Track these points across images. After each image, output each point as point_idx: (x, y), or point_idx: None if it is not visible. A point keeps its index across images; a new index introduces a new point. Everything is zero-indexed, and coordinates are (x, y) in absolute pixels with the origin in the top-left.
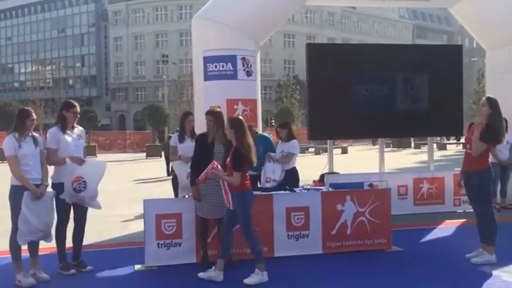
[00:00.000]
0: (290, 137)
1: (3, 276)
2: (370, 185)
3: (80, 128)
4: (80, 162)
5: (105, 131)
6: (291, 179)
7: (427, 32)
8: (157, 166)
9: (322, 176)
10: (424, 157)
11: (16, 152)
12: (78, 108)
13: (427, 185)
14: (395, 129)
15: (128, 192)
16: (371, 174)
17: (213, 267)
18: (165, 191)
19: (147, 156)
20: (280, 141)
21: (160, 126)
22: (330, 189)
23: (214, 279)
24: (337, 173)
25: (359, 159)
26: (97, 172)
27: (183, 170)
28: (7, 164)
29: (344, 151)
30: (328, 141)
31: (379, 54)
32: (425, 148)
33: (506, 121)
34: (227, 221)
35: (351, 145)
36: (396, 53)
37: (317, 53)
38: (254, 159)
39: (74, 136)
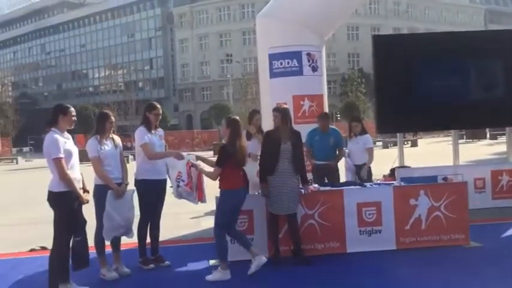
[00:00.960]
0: (364, 131)
1: (89, 270)
2: (445, 179)
3: (161, 129)
4: (180, 157)
5: (174, 130)
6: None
7: (500, 16)
8: None
9: (392, 170)
10: (502, 148)
11: (99, 153)
12: (160, 110)
13: (507, 177)
14: (469, 120)
15: None
16: (445, 168)
17: (218, 268)
18: None
19: (214, 154)
20: (351, 136)
21: None
22: (402, 183)
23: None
24: (409, 167)
25: (430, 152)
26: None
27: (252, 167)
28: (88, 165)
29: (414, 144)
30: (398, 134)
31: (450, 42)
32: (502, 139)
33: None
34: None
35: (421, 138)
36: (468, 40)
37: (384, 44)
38: (244, 160)
39: (157, 136)
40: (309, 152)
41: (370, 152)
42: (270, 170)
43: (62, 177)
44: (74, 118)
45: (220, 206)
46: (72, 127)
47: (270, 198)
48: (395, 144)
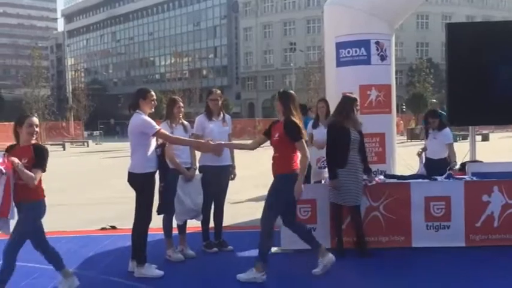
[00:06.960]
0: (441, 125)
1: (156, 251)
2: None
3: (227, 115)
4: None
5: (236, 118)
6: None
7: None
8: None
9: (463, 165)
10: None
11: None
12: (215, 95)
13: None
14: None
15: (254, 178)
16: None
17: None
18: None
19: None
20: (427, 131)
21: None
22: (474, 178)
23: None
24: (481, 162)
25: (503, 147)
26: None
27: (313, 155)
28: None
29: (485, 138)
30: (470, 127)
31: None
32: None
33: None
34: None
35: (493, 132)
36: None
37: (458, 33)
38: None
39: (219, 123)
40: None
41: (450, 148)
42: (342, 162)
43: (174, 141)
44: (154, 102)
45: (283, 192)
46: (153, 110)
47: (340, 189)
48: (464, 138)
